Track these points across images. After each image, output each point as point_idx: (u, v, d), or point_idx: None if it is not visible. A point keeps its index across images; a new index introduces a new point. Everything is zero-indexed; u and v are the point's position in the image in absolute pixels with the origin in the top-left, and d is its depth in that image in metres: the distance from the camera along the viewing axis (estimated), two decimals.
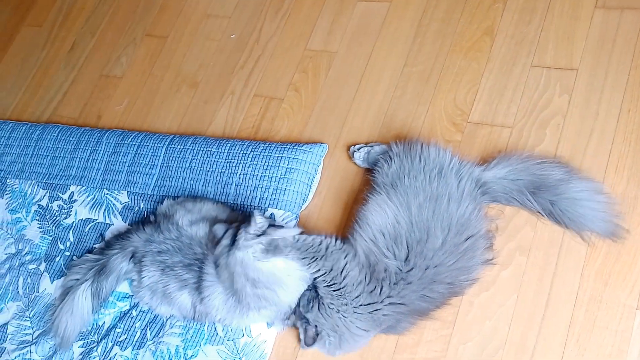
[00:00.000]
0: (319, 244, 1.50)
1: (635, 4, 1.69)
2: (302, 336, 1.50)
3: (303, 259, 1.48)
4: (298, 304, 1.52)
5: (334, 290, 1.46)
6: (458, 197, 1.48)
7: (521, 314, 1.46)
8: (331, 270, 1.46)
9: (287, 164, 1.79)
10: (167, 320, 1.73)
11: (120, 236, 1.82)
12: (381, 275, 1.44)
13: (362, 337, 1.50)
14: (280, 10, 2.19)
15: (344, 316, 1.46)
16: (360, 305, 1.44)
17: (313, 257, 1.48)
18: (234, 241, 1.46)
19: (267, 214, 1.75)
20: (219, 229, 1.52)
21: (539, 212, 1.50)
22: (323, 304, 1.48)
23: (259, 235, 1.45)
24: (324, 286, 1.47)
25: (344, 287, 1.45)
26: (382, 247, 1.46)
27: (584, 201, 1.45)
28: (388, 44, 1.96)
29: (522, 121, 1.67)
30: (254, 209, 1.74)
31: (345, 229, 1.68)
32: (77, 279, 1.73)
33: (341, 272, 1.46)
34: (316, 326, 1.47)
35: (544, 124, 1.64)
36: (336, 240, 1.52)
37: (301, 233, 1.53)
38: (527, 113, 1.68)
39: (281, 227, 1.50)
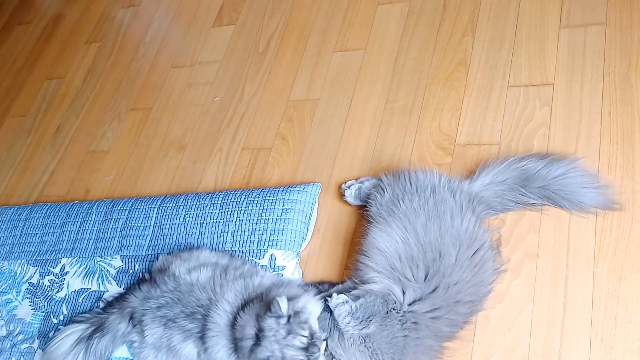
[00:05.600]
0: (372, 304, 1.40)
1: (596, 20, 1.79)
2: None
3: (361, 322, 1.39)
4: None
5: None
6: (458, 211, 1.48)
7: (540, 321, 1.41)
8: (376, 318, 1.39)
9: (283, 205, 1.78)
10: None
11: (119, 297, 1.76)
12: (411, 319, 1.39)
13: None
14: (260, 69, 2.27)
15: (367, 347, 1.40)
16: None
17: (369, 318, 1.39)
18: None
19: (267, 255, 1.72)
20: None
21: (538, 203, 1.51)
22: (343, 336, 1.41)
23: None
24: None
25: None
26: (401, 271, 1.42)
27: (569, 177, 1.48)
28: (368, 85, 2.02)
29: (508, 137, 1.70)
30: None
31: (347, 265, 1.65)
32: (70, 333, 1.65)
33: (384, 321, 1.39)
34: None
35: (530, 136, 1.68)
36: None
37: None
38: (512, 129, 1.71)
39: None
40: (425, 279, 1.40)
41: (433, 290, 1.39)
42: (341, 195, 1.81)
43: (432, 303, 1.38)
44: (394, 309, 1.39)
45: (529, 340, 1.40)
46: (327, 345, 1.41)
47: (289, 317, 1.39)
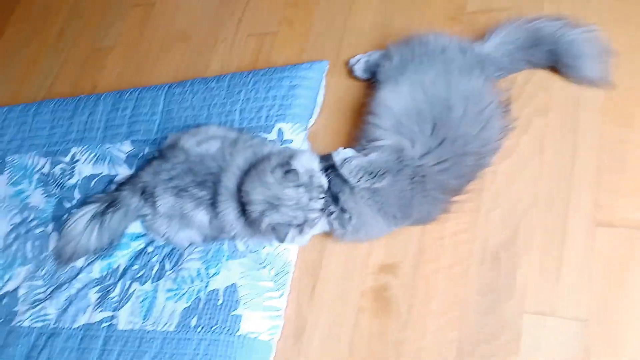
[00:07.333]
0: (386, 159, 1.40)
1: None
2: (334, 221, 1.45)
3: (374, 177, 1.39)
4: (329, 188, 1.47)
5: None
6: (467, 69, 1.47)
7: (547, 171, 1.42)
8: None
9: (290, 82, 1.78)
10: (184, 250, 1.67)
11: (131, 177, 1.79)
12: (418, 171, 1.40)
13: (382, 228, 1.47)
14: None
15: (375, 201, 1.42)
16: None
17: (383, 174, 1.39)
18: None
19: (275, 129, 1.72)
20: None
21: (545, 65, 1.51)
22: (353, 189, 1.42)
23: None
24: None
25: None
26: (408, 126, 1.42)
27: (578, 43, 1.46)
28: None
29: (518, 2, 1.67)
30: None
31: (355, 137, 1.65)
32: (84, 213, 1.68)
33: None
34: (343, 208, 1.42)
35: (540, 1, 1.64)
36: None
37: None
38: None
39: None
40: (432, 132, 1.40)
41: (440, 143, 1.39)
42: (349, 73, 1.80)
43: (438, 155, 1.39)
44: (407, 165, 1.39)
45: (535, 190, 1.41)
46: (339, 200, 1.43)
47: (306, 183, 1.41)
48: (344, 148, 1.44)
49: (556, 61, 1.51)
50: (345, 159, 1.39)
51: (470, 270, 1.40)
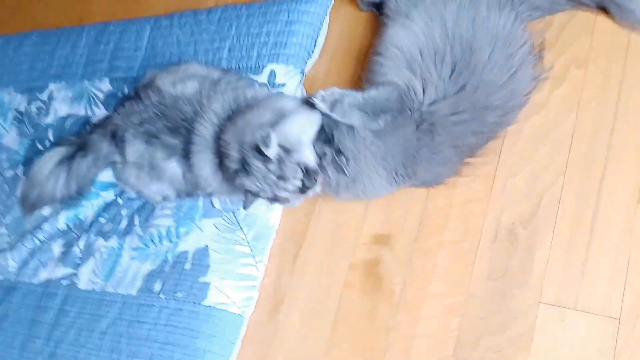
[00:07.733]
0: (386, 97, 1.21)
1: None
2: (328, 166, 1.24)
3: (369, 116, 1.22)
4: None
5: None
6: (496, 4, 1.22)
7: (584, 131, 1.22)
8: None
9: (288, 17, 1.56)
10: (157, 205, 1.48)
11: (104, 118, 1.61)
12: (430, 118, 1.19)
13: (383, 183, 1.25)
14: None
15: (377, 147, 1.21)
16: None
17: (379, 113, 1.20)
18: None
19: (267, 70, 1.50)
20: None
21: (591, 4, 1.27)
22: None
23: None
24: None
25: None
26: (424, 64, 1.20)
27: None
28: None
29: None
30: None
31: (360, 83, 1.42)
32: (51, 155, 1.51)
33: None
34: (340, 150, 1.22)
35: None
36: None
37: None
38: None
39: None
40: (451, 75, 1.19)
41: (459, 90, 1.18)
42: (356, 8, 1.55)
43: (456, 104, 1.18)
44: (410, 108, 1.18)
45: (567, 154, 1.20)
46: (334, 139, 1.23)
47: (279, 160, 1.20)
48: (325, 89, 1.21)
49: (603, 0, 1.26)
50: (334, 101, 1.17)
51: (479, 247, 1.22)
